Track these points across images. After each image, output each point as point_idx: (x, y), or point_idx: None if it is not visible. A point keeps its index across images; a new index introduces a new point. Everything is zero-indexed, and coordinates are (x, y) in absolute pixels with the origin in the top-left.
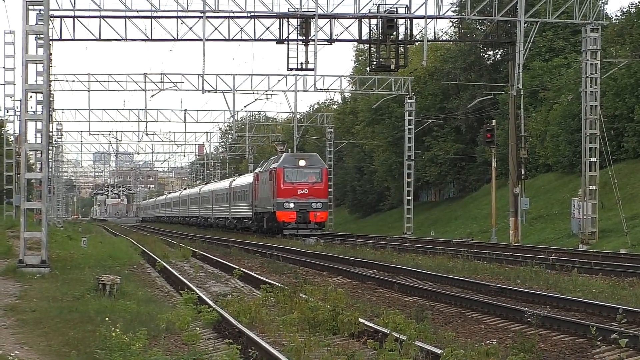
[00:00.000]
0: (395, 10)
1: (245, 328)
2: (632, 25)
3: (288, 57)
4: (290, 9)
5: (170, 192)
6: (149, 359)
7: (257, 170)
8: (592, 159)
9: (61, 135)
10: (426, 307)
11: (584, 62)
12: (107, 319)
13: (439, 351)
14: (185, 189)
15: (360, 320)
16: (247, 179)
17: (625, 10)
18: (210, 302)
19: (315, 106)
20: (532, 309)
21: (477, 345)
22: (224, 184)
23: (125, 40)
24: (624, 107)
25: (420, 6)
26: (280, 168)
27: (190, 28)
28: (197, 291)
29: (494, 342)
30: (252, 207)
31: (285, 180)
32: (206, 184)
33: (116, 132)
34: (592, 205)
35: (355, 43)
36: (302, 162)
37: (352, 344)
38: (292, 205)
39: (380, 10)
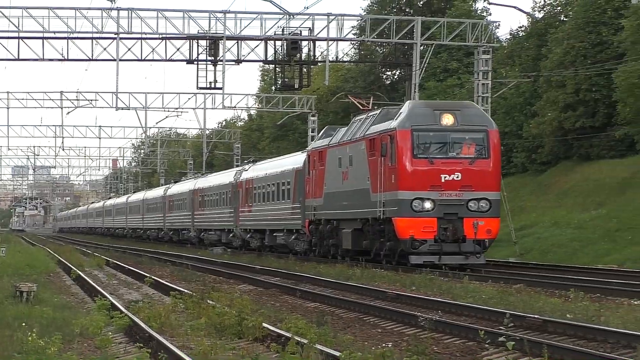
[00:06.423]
0: (299, 32)
1: (155, 333)
2: (521, 48)
3: (197, 77)
4: (199, 31)
5: (111, 198)
6: None
7: (319, 143)
8: None
9: None
10: (327, 312)
11: (476, 82)
12: (24, 324)
13: (337, 354)
14: (134, 192)
15: (264, 325)
16: (280, 163)
17: (514, 33)
18: (122, 308)
19: (224, 123)
20: (426, 314)
21: (374, 348)
22: (223, 178)
23: (43, 60)
24: (514, 125)
25: (323, 29)
26: (405, 130)
27: (105, 49)
28: (110, 298)
29: (390, 345)
30: (301, 211)
31: (417, 154)
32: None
33: (34, 147)
34: None
35: (261, 63)
36: (447, 119)
37: (256, 348)
38: (428, 205)
39: (284, 32)
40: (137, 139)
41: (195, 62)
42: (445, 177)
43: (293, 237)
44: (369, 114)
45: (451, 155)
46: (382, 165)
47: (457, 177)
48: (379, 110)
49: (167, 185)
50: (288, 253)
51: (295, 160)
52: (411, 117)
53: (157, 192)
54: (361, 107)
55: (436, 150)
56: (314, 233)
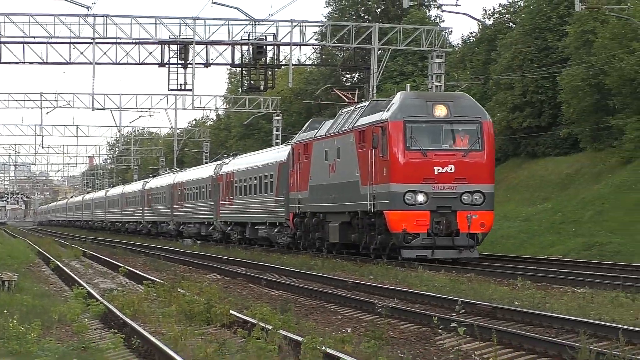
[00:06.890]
0: (264, 37)
1: (129, 319)
2: (472, 53)
3: (169, 79)
4: (171, 36)
5: (89, 192)
6: (42, 347)
7: (304, 136)
8: None
9: None
10: (290, 300)
11: (430, 85)
12: (5, 311)
13: (300, 339)
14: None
15: (231, 312)
16: (262, 157)
17: (465, 39)
18: (98, 297)
19: (193, 122)
20: (383, 302)
21: (334, 333)
22: (203, 171)
23: (23, 63)
24: None
25: (286, 34)
26: (397, 121)
27: (82, 53)
28: (87, 286)
29: (349, 331)
30: (284, 204)
31: (409, 146)
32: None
33: (15, 145)
34: None
35: (229, 67)
36: (440, 111)
37: (224, 333)
38: (421, 198)
39: (250, 38)
40: (112, 137)
41: (167, 66)
42: (438, 169)
43: (276, 230)
44: (357, 106)
45: (444, 147)
46: (373, 158)
47: (451, 170)
48: (368, 102)
49: (146, 179)
50: (270, 246)
51: (278, 153)
52: (403, 108)
53: (135, 186)
54: (347, 100)
55: (429, 142)
56: (299, 226)
